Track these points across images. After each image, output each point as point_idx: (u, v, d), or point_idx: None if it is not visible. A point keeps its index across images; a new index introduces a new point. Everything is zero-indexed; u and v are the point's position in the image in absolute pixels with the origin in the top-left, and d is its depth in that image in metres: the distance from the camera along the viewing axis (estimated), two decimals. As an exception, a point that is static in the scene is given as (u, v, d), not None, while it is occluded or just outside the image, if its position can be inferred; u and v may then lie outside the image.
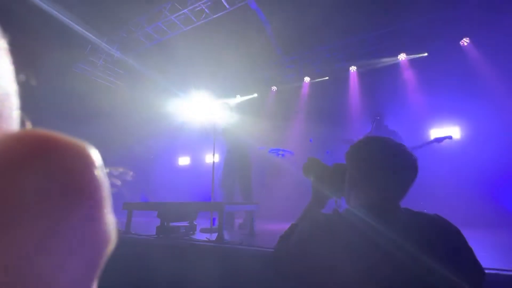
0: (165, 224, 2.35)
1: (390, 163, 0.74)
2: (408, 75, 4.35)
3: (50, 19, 3.75)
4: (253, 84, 5.67)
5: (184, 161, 6.56)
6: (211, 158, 3.53)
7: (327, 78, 5.09)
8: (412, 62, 4.38)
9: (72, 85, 4.76)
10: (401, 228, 0.66)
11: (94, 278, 0.17)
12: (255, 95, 5.73)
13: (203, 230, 2.68)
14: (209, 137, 3.20)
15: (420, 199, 3.06)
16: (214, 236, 2.22)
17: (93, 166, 0.16)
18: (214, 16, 4.10)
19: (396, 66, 4.50)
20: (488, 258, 1.49)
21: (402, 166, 0.74)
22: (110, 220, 0.17)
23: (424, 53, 4.27)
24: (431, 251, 0.61)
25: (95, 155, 0.17)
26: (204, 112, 3.67)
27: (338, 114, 4.73)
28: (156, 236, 2.28)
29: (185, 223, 2.55)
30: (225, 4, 3.94)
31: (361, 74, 4.80)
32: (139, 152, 5.72)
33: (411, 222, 0.69)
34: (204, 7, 4.10)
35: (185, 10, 4.16)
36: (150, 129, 6.03)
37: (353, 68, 4.88)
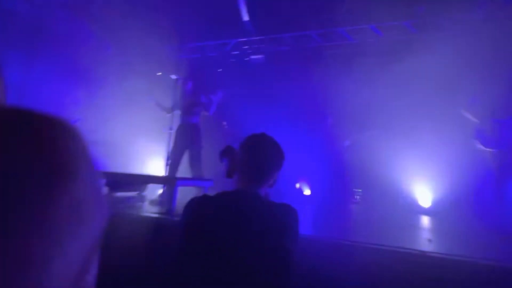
0: (113, 193, 2.30)
1: (250, 156, 0.91)
2: None
3: None
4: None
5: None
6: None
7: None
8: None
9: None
10: (248, 209, 0.82)
11: (92, 256, 0.17)
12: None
13: (152, 202, 2.68)
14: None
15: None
16: (163, 209, 2.26)
17: (79, 143, 0.16)
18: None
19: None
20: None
21: (262, 159, 0.91)
22: (101, 194, 0.17)
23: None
24: (264, 232, 0.78)
25: (79, 132, 0.17)
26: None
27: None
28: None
29: (134, 194, 2.53)
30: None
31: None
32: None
33: (260, 206, 0.84)
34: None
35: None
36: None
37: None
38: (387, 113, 4.06)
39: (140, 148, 5.20)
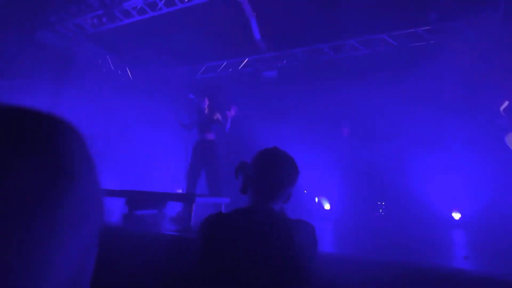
0: (133, 212, 2.34)
1: (262, 171, 0.89)
2: None
3: None
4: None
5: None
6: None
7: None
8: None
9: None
10: (263, 227, 0.80)
11: (90, 254, 0.16)
12: None
13: (172, 220, 2.70)
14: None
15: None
16: (182, 226, 2.26)
17: (79, 141, 0.16)
18: (198, 2, 3.98)
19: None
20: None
21: (274, 174, 0.88)
22: (100, 193, 0.17)
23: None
24: (279, 249, 0.75)
25: (78, 130, 0.17)
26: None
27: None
28: (122, 224, 2.26)
29: (153, 212, 2.56)
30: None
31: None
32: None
33: (275, 224, 0.82)
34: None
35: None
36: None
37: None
38: (407, 122, 3.92)
39: (160, 165, 5.33)
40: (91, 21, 4.52)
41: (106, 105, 4.94)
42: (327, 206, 4.57)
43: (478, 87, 3.49)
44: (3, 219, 0.12)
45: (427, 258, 1.53)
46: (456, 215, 3.78)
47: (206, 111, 3.48)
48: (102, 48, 5.24)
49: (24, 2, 3.70)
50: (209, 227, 0.82)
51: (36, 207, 0.13)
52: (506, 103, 3.18)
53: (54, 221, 0.14)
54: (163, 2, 4.13)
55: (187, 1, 4.02)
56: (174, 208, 3.30)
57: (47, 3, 4.15)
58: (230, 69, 5.62)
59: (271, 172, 0.89)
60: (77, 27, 4.73)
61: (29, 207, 0.13)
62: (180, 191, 5.21)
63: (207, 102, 3.52)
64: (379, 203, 4.39)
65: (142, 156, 5.34)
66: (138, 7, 4.28)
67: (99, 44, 5.12)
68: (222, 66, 5.68)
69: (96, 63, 5.28)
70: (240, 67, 5.54)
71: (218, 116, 3.39)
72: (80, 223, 0.15)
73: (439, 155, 3.64)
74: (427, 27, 4.16)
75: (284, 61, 5.22)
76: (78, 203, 0.15)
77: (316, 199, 4.65)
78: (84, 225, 0.16)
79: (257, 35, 4.56)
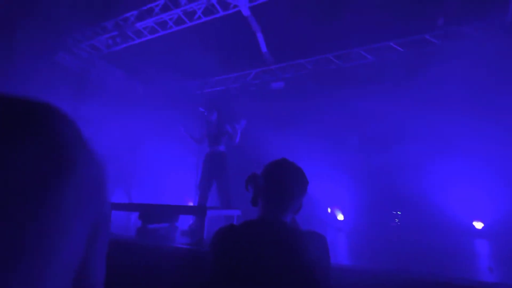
0: (146, 226, 2.37)
1: (272, 183, 0.90)
2: None
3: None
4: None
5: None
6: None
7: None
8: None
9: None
10: (274, 240, 0.79)
11: (93, 244, 0.16)
12: None
13: (184, 233, 2.71)
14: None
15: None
16: (194, 239, 2.26)
17: (76, 130, 0.16)
18: (205, 19, 4.13)
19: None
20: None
21: (284, 185, 0.89)
22: (101, 180, 0.17)
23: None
24: (293, 260, 0.75)
25: (73, 119, 0.16)
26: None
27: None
28: (136, 237, 2.29)
29: (165, 225, 2.58)
30: (218, 8, 3.99)
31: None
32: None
33: (286, 236, 0.81)
34: (196, 9, 4.12)
35: (177, 10, 4.16)
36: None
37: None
38: (422, 128, 3.83)
39: (171, 178, 5.40)
40: (105, 42, 4.76)
41: (120, 121, 5.11)
42: (340, 217, 4.47)
43: (494, 91, 3.40)
44: (6, 207, 0.12)
45: (448, 270, 1.46)
46: (478, 225, 3.61)
47: (216, 123, 3.54)
48: (115, 67, 5.48)
49: (44, 27, 3.96)
50: (220, 240, 0.83)
51: (39, 193, 0.13)
52: None
53: (57, 208, 0.14)
54: (173, 21, 4.31)
55: (196, 19, 4.18)
56: (186, 221, 3.31)
57: (65, 27, 4.42)
58: (238, 82, 5.73)
59: (281, 183, 0.89)
60: (92, 48, 4.99)
61: (32, 193, 0.13)
62: (191, 203, 5.23)
63: (216, 115, 3.58)
64: (394, 212, 4.26)
65: (154, 170, 5.43)
66: (150, 27, 4.48)
67: (113, 63, 5.36)
68: (231, 79, 5.80)
69: (110, 81, 5.51)
70: (248, 79, 5.63)
71: (227, 128, 3.43)
72: (82, 208, 0.15)
73: (457, 161, 3.53)
74: (434, 33, 4.14)
75: (291, 72, 5.28)
76: (79, 188, 0.15)
77: (329, 210, 4.56)
78: (87, 211, 0.15)
79: (263, 48, 4.65)
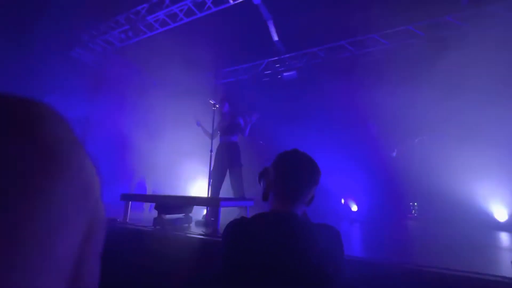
0: (162, 216, 2.44)
1: (282, 174, 0.87)
2: None
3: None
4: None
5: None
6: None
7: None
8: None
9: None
10: (285, 232, 0.77)
11: (89, 240, 0.16)
12: None
13: (198, 223, 2.77)
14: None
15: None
16: (208, 229, 2.31)
17: (67, 127, 0.16)
18: (215, 9, 4.08)
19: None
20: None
21: (295, 176, 0.86)
22: (94, 175, 0.17)
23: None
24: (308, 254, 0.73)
25: (63, 115, 0.16)
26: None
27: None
28: (152, 227, 2.37)
29: (181, 215, 2.65)
30: (228, -3, 3.92)
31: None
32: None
33: (298, 228, 0.79)
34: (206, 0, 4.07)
35: (187, 1, 4.12)
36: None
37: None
38: (440, 116, 3.66)
39: (185, 169, 5.51)
40: (118, 36, 4.83)
41: (134, 113, 5.22)
42: (354, 208, 4.41)
43: None
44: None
45: (469, 264, 1.41)
46: (501, 216, 3.46)
47: (228, 115, 3.54)
48: (129, 60, 5.57)
49: (60, 22, 4.05)
50: (231, 233, 0.82)
51: (30, 192, 0.13)
52: None
53: (48, 207, 0.14)
54: (183, 13, 4.29)
55: (206, 9, 4.14)
56: (200, 212, 3.38)
57: (80, 22, 4.51)
58: (250, 73, 5.67)
59: (292, 174, 0.87)
60: (106, 43, 5.07)
61: (23, 193, 0.13)
62: (205, 194, 5.34)
63: (227, 106, 3.58)
64: (411, 203, 4.15)
65: (169, 161, 5.55)
66: (160, 19, 4.49)
67: (126, 57, 5.45)
68: (242, 70, 5.75)
69: (124, 75, 5.62)
70: (260, 70, 5.56)
71: (239, 120, 3.43)
72: (76, 208, 0.15)
73: (478, 151, 3.36)
74: (458, 14, 3.88)
75: (303, 61, 5.15)
76: (71, 188, 0.15)
77: (342, 201, 4.51)
78: (81, 210, 0.15)
79: (274, 37, 4.55)
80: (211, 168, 3.45)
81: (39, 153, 0.14)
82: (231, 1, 3.95)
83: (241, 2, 3.92)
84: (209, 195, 3.26)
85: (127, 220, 2.59)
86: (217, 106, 3.56)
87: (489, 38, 3.37)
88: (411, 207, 4.13)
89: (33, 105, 0.15)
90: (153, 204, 2.60)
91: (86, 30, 4.86)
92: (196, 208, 3.12)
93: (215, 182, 3.33)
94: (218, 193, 3.32)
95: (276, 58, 5.31)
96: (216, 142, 3.62)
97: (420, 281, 1.17)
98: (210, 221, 2.74)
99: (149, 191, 5.25)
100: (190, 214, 2.78)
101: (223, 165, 3.36)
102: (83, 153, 0.16)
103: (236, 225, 0.84)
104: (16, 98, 0.15)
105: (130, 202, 2.68)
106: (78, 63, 5.01)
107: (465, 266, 1.26)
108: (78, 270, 0.16)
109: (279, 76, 5.35)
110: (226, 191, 3.50)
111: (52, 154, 0.14)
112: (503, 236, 2.85)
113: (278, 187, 0.88)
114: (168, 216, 2.49)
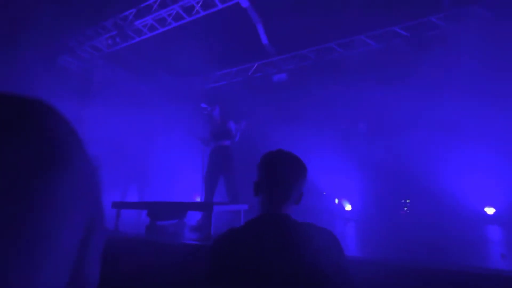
0: (154, 223, 2.40)
1: (267, 173, 0.86)
2: None
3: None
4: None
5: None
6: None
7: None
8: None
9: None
10: (277, 236, 0.76)
11: (89, 239, 0.16)
12: None
13: (192, 229, 2.74)
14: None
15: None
16: (202, 235, 2.29)
17: (69, 126, 0.16)
18: (204, 13, 4.08)
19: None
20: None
21: (279, 174, 0.85)
22: (94, 176, 0.17)
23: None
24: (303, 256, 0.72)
25: (65, 115, 0.16)
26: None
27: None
28: (145, 235, 2.32)
29: (174, 222, 2.61)
30: (217, 1, 3.92)
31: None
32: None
33: (289, 231, 0.79)
34: (194, 3, 4.06)
35: (176, 5, 4.11)
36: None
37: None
38: (429, 114, 3.74)
39: (177, 174, 5.45)
40: (106, 42, 4.76)
41: (124, 119, 5.15)
42: (348, 207, 4.45)
43: (508, 75, 3.27)
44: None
45: (459, 258, 1.44)
46: (490, 210, 3.54)
47: (219, 118, 3.52)
48: (117, 66, 5.50)
49: (46, 30, 3.97)
50: (221, 247, 0.80)
51: (30, 189, 0.13)
52: None
53: (48, 205, 0.14)
54: (171, 17, 4.27)
55: (194, 14, 4.13)
56: (194, 217, 3.35)
57: (67, 29, 4.43)
58: (240, 76, 5.68)
59: (277, 172, 0.86)
60: (94, 49, 5.00)
61: (23, 190, 0.13)
62: (198, 198, 5.28)
63: (218, 110, 3.56)
64: (403, 201, 4.21)
65: (160, 167, 5.48)
66: (149, 24, 4.45)
67: (114, 63, 5.38)
68: (232, 73, 5.75)
69: (112, 81, 5.53)
70: (250, 73, 5.58)
71: (230, 125, 3.42)
72: (76, 206, 0.15)
73: (466, 147, 3.44)
74: (441, 14, 3.99)
75: (294, 63, 5.20)
76: (72, 185, 0.15)
77: (336, 200, 4.54)
78: (80, 209, 0.15)
79: (264, 39, 4.58)
80: (205, 172, 3.43)
81: (40, 151, 0.14)
82: (220, 5, 3.95)
83: (229, 6, 3.93)
84: (203, 200, 3.23)
85: (118, 229, 2.54)
86: (208, 109, 3.54)
87: (472, 37, 3.47)
88: (404, 204, 4.18)
89: (34, 103, 0.15)
90: (146, 211, 2.56)
91: (73, 37, 4.78)
92: (191, 213, 3.08)
93: (209, 186, 3.30)
94: (212, 198, 3.29)
95: (266, 60, 5.34)
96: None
97: (415, 277, 1.18)
98: (204, 226, 2.71)
99: (140, 198, 5.17)
100: (184, 220, 2.74)
101: (217, 170, 3.34)
102: (84, 152, 0.16)
103: (224, 239, 0.81)
104: (17, 96, 0.15)
105: (120, 210, 2.63)
106: (66, 70, 4.92)
107: (456, 260, 1.28)
108: (78, 269, 0.16)
109: (270, 79, 5.38)
110: (221, 195, 3.48)
111: (53, 152, 0.14)
112: (493, 230, 2.91)
113: (266, 186, 0.86)
114: (161, 223, 2.45)
